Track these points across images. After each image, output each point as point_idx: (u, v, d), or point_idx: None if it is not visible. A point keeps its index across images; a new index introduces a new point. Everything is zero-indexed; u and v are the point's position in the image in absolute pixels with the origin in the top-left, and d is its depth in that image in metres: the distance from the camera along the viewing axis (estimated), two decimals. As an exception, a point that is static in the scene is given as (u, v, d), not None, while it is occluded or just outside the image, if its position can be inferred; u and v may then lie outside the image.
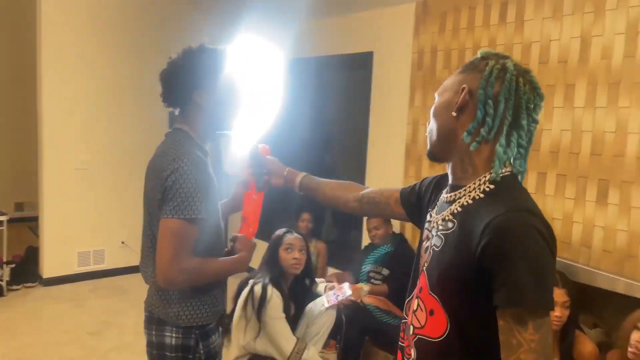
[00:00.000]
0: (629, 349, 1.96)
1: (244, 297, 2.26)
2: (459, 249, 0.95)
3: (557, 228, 2.82)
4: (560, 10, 2.82)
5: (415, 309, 1.05)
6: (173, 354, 1.49)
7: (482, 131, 0.99)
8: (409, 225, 3.64)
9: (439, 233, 1.02)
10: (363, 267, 3.52)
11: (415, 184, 1.29)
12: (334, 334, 2.50)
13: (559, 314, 2.18)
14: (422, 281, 1.04)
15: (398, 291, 3.29)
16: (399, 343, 1.15)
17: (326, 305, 2.39)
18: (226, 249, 1.61)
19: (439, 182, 1.20)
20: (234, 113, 1.57)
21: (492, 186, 0.99)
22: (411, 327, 1.06)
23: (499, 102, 0.98)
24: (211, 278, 1.52)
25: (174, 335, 1.49)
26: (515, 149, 1.00)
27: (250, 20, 4.15)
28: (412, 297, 1.08)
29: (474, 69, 1.04)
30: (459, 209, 1.00)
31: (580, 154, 2.75)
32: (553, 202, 2.87)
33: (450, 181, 1.08)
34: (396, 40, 3.77)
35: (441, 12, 3.43)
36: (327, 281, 2.76)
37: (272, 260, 2.35)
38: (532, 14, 2.95)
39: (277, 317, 2.25)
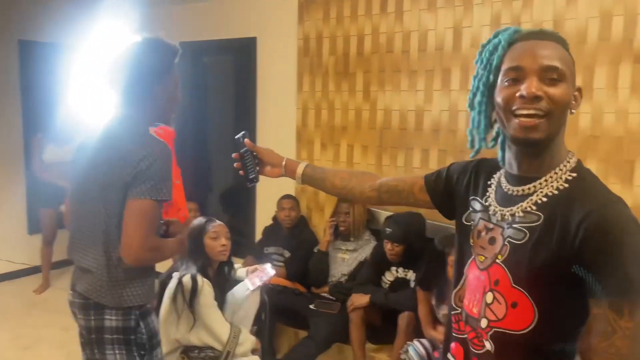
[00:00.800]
0: None
1: (171, 291, 2.21)
2: (553, 243, 0.94)
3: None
4: (434, 3, 3.15)
5: (490, 302, 1.01)
6: (114, 336, 1.55)
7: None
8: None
9: (518, 226, 0.99)
10: (265, 249, 3.60)
11: (440, 170, 1.26)
12: (259, 315, 2.55)
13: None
14: (499, 274, 1.00)
15: (298, 272, 3.44)
16: (455, 334, 1.13)
17: (251, 288, 2.43)
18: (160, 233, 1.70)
19: (478, 169, 1.17)
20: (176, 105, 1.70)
21: (574, 174, 0.99)
22: (484, 320, 1.02)
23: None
24: (166, 257, 1.65)
25: (113, 317, 1.55)
26: None
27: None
28: (480, 290, 1.05)
29: (557, 39, 1.00)
30: (544, 200, 0.98)
31: (458, 131, 3.13)
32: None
33: (515, 171, 1.04)
34: (280, 27, 3.85)
35: (324, 0, 3.59)
36: (246, 265, 2.79)
37: (197, 250, 2.32)
38: (410, 6, 3.25)
39: (210, 305, 2.24)
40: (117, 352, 1.55)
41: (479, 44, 2.90)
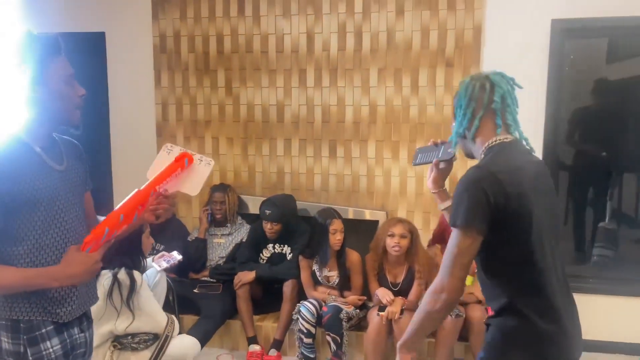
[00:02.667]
0: (394, 250, 2.95)
1: (106, 288, 2.25)
2: None
3: (303, 180, 3.69)
4: (289, 10, 3.59)
5: None
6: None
7: None
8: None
9: None
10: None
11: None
12: (167, 297, 2.71)
13: (339, 237, 3.05)
14: None
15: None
16: None
17: (158, 269, 2.58)
18: None
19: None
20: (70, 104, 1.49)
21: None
22: None
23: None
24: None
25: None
26: None
27: None
28: None
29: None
30: None
31: (315, 122, 3.64)
32: (298, 161, 3.69)
33: None
34: (131, 23, 3.85)
35: (180, 0, 3.74)
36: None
37: (135, 247, 2.39)
38: (266, 11, 3.63)
39: (149, 296, 2.36)
40: None
41: (329, 49, 3.47)
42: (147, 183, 1.53)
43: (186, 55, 3.79)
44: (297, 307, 3.08)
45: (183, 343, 2.51)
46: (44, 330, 1.43)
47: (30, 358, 1.40)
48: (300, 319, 3.01)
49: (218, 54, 3.73)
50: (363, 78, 3.53)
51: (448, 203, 1.60)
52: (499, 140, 1.45)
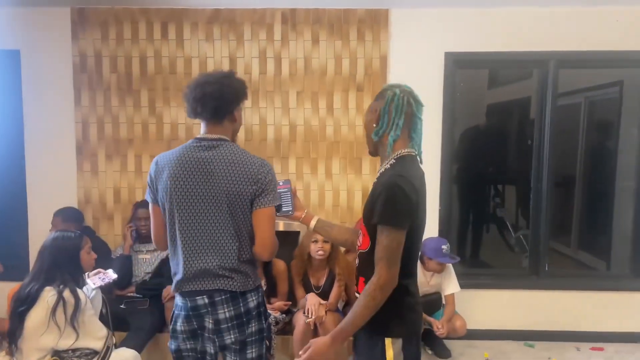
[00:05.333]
0: (318, 254, 3.24)
1: (50, 304, 2.27)
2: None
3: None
4: (211, 35, 3.80)
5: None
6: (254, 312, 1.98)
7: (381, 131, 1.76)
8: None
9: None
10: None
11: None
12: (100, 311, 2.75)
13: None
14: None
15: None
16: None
17: (92, 286, 2.63)
18: None
19: None
20: None
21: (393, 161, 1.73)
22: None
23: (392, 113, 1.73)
24: None
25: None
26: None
27: None
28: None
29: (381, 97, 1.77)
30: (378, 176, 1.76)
31: (238, 140, 3.81)
32: None
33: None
34: (49, 42, 3.83)
35: (101, 21, 3.80)
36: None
37: (74, 264, 2.42)
38: (189, 35, 3.81)
39: (93, 314, 2.39)
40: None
41: (250, 72, 3.72)
42: None
43: (108, 75, 3.84)
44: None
45: (124, 356, 2.58)
46: None
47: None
48: (230, 325, 3.18)
49: (141, 74, 3.83)
50: (283, 100, 3.83)
51: (316, 219, 2.01)
52: (408, 152, 1.72)
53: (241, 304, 1.90)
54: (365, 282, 1.68)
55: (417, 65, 3.75)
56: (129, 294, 3.60)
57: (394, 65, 3.79)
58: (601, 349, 3.75)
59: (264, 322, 1.99)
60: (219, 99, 1.89)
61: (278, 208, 1.93)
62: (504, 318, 3.92)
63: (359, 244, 1.79)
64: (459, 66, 3.83)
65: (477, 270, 4.22)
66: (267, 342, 3.14)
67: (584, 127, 5.28)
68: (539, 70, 3.89)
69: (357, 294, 1.74)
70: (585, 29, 3.72)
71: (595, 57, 3.77)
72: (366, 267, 1.70)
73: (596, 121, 5.36)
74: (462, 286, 3.57)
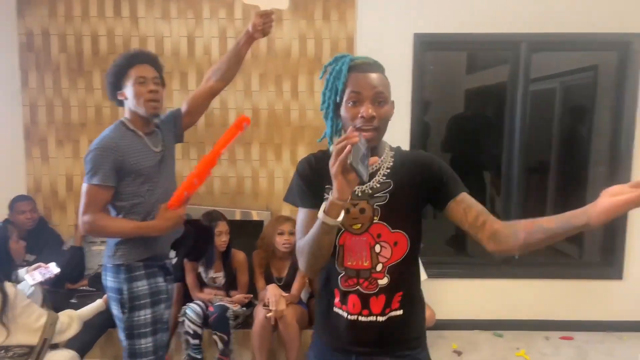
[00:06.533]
0: (284, 247, 3.08)
1: None
2: (407, 193, 1.37)
3: (187, 183, 3.69)
4: (168, 14, 3.58)
5: (379, 251, 1.37)
6: None
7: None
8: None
9: (380, 194, 1.37)
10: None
11: (298, 170, 1.43)
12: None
13: (224, 239, 3.11)
14: (379, 229, 1.37)
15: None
16: (346, 289, 1.39)
17: (31, 282, 2.45)
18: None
19: (325, 161, 1.27)
20: None
21: (392, 152, 1.41)
22: (379, 265, 1.37)
23: None
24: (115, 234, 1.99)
25: None
26: None
27: None
28: (366, 247, 1.36)
29: (380, 69, 1.36)
30: (388, 172, 1.38)
31: (198, 125, 3.63)
32: (182, 164, 3.68)
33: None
34: (-7, 18, 3.57)
35: (49, -4, 3.55)
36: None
37: (2, 256, 2.23)
38: (145, 13, 3.58)
39: (26, 304, 2.23)
40: None
41: (210, 53, 3.52)
42: (211, 150, 1.89)
43: (57, 55, 3.60)
44: (182, 310, 3.09)
45: (61, 357, 2.41)
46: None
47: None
48: (186, 320, 3.02)
49: (93, 54, 3.60)
50: (245, 83, 3.63)
51: None
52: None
53: None
54: (405, 294, 1.40)
55: (385, 47, 3.58)
56: (81, 287, 3.42)
57: (361, 46, 3.61)
58: (570, 338, 3.70)
59: None
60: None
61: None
62: (474, 308, 3.83)
63: (383, 260, 1.38)
64: (429, 48, 3.67)
65: (445, 259, 4.09)
66: (226, 337, 3.01)
67: (558, 113, 5.20)
68: (511, 53, 3.75)
69: (396, 312, 1.40)
70: (558, 11, 3.58)
71: (568, 40, 3.64)
72: (404, 278, 1.41)
73: (570, 106, 5.28)
74: (430, 275, 3.46)
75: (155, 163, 2.05)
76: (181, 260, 3.27)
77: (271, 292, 3.04)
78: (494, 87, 4.97)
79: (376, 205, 1.35)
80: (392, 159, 1.40)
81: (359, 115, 1.29)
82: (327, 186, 1.35)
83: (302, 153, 3.66)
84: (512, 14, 3.58)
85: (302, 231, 1.34)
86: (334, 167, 1.16)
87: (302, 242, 1.32)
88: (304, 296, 3.28)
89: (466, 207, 1.33)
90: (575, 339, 3.69)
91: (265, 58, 3.61)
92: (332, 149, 1.17)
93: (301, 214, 1.37)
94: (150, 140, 2.08)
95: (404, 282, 1.41)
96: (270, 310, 2.96)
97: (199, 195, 3.68)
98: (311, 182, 1.38)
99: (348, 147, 1.13)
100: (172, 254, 3.42)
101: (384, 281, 1.38)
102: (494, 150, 4.04)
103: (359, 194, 1.36)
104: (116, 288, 2.02)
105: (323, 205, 1.22)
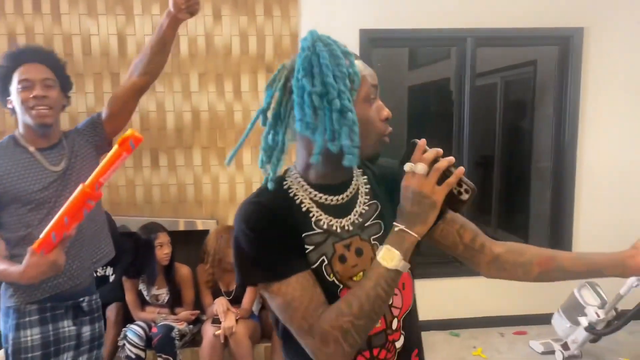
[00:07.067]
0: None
1: None
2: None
3: (123, 193, 3.41)
4: (94, 9, 3.28)
5: (390, 302, 1.07)
6: None
7: None
8: None
9: (370, 222, 1.07)
10: None
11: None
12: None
13: (166, 251, 2.87)
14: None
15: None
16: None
17: None
18: None
19: (280, 211, 1.02)
20: None
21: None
22: (394, 321, 1.06)
23: None
24: None
25: None
26: None
27: None
28: None
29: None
30: (367, 190, 1.09)
31: (150, 129, 3.39)
32: (117, 172, 3.40)
33: (329, 182, 1.05)
34: None
35: (-45, -10, 3.17)
36: None
37: None
38: (68, 9, 3.27)
39: None
40: None
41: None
42: (90, 177, 1.42)
43: (-32, 55, 3.22)
44: (122, 332, 2.83)
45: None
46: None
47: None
48: (127, 344, 2.77)
49: (10, 55, 3.25)
50: (183, 83, 3.40)
51: None
52: None
53: None
54: (420, 352, 1.13)
55: (330, 44, 3.45)
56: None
57: (305, 43, 3.46)
58: (524, 333, 3.71)
59: None
60: None
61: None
62: (428, 308, 3.75)
63: (396, 312, 1.08)
64: (375, 45, 3.57)
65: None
66: (171, 358, 2.79)
67: (500, 108, 5.28)
68: (457, 48, 3.72)
69: None
70: (502, 6, 3.58)
71: (512, 35, 3.64)
72: (416, 332, 1.13)
73: (511, 101, 5.37)
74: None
75: (50, 185, 1.70)
76: (119, 278, 3.01)
77: (219, 303, 2.84)
78: (437, 83, 4.97)
79: (373, 240, 1.03)
80: (364, 175, 1.10)
81: (384, 118, 1.01)
82: (304, 234, 0.99)
83: (248, 157, 3.47)
84: (458, 9, 3.54)
85: (305, 307, 0.93)
86: (440, 193, 0.94)
87: (346, 316, 0.91)
88: (255, 309, 3.09)
89: (459, 227, 1.11)
90: (529, 333, 3.71)
91: (204, 57, 3.39)
92: (411, 168, 0.97)
93: (288, 287, 0.94)
94: (48, 157, 1.73)
95: (418, 337, 1.12)
96: (218, 328, 2.76)
97: (136, 206, 3.42)
98: (283, 238, 0.97)
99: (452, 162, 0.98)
100: (110, 270, 3.17)
101: (400, 342, 1.05)
102: (442, 145, 4.00)
103: (348, 227, 1.02)
104: (4, 335, 1.71)
105: (391, 253, 0.94)
